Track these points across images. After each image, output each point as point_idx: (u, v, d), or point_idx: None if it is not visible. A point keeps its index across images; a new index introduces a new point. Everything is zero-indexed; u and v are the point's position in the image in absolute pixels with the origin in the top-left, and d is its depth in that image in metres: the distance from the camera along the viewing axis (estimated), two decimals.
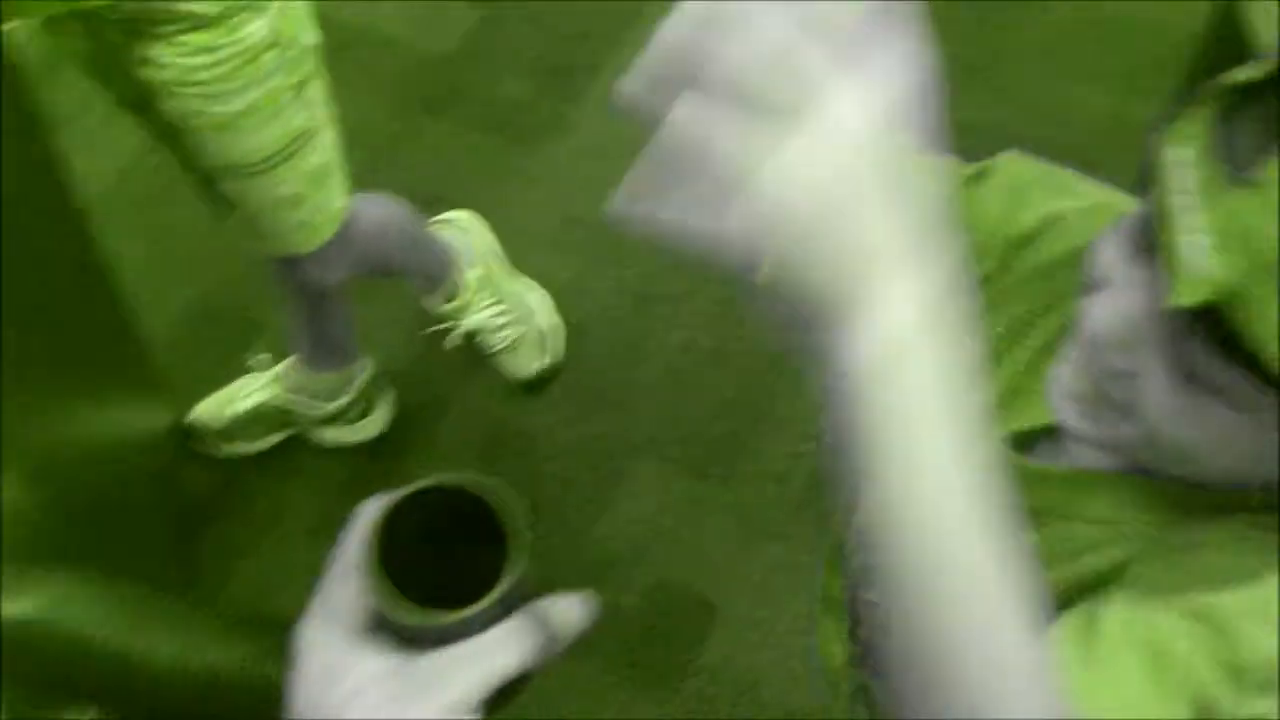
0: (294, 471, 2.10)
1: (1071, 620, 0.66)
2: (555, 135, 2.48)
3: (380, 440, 2.14)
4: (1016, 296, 0.86)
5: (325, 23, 2.67)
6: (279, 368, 2.10)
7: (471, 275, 2.12)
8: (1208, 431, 0.65)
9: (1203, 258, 0.59)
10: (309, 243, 1.70)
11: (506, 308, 2.16)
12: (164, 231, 2.36)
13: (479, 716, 0.57)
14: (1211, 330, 0.60)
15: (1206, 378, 0.63)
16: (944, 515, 0.50)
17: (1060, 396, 0.73)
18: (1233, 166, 0.59)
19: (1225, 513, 0.71)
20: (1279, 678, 0.65)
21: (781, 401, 2.17)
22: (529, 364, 2.19)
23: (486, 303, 2.15)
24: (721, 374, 2.20)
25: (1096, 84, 2.49)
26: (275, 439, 2.13)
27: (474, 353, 2.21)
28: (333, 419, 2.10)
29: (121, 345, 1.95)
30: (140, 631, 0.67)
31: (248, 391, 2.11)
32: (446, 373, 2.21)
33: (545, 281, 2.26)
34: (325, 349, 2.05)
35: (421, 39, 2.62)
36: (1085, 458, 0.77)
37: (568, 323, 2.23)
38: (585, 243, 2.32)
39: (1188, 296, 0.59)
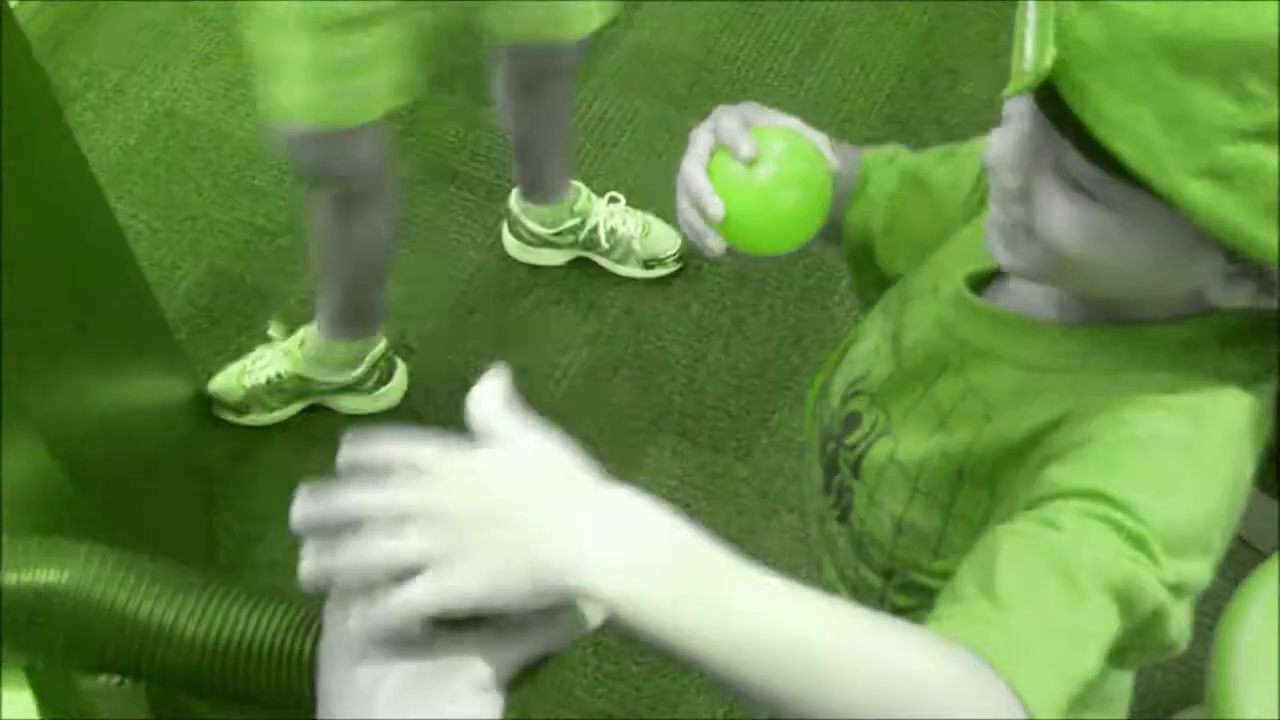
0: (314, 441, 2.10)
1: (970, 578, 0.67)
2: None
3: (398, 412, 2.14)
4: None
5: None
6: (296, 337, 2.09)
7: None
8: (1096, 240, 0.71)
9: (1029, 53, 0.67)
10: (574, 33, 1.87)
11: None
12: (174, 204, 2.36)
13: (505, 693, 0.56)
14: (1077, 135, 0.66)
15: (1083, 180, 0.69)
16: (791, 618, 0.57)
17: (988, 230, 0.79)
18: None
19: (1158, 364, 0.76)
20: (1196, 538, 0.70)
21: (800, 376, 2.16)
22: (669, 241, 2.23)
23: (600, 199, 2.25)
24: (740, 348, 2.19)
25: None
26: (295, 408, 2.13)
27: (494, 325, 2.21)
28: (350, 388, 2.10)
29: (142, 317, 1.95)
30: (169, 602, 0.66)
31: (265, 362, 2.10)
32: (464, 346, 2.21)
33: None
34: (352, 318, 2.04)
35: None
36: (1031, 304, 0.83)
37: (583, 298, 2.23)
38: None
39: (1014, 86, 0.68)
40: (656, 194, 2.31)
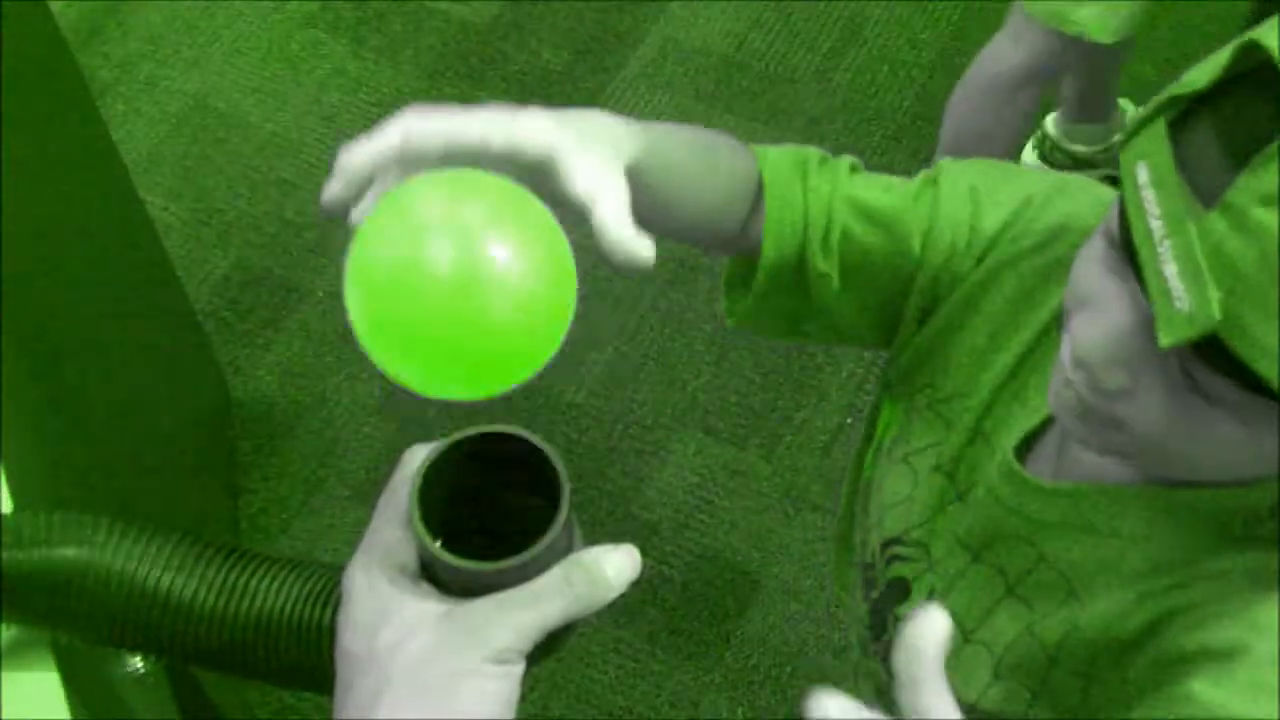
0: (340, 434, 2.11)
1: None
2: (594, 105, 2.46)
3: (424, 408, 2.15)
4: (1001, 287, 0.85)
5: None
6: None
7: None
8: (1209, 442, 0.64)
9: (1179, 290, 0.57)
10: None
11: None
12: (203, 197, 2.37)
13: (524, 664, 0.56)
14: (1208, 349, 0.58)
15: (1208, 392, 0.61)
16: None
17: (1062, 410, 0.71)
18: (1196, 186, 0.57)
19: (1258, 535, 0.70)
20: None
21: (824, 373, 2.15)
22: None
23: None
24: (764, 346, 2.18)
25: (1145, 57, 2.45)
26: None
27: None
28: None
29: (170, 308, 1.97)
30: (187, 574, 0.67)
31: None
32: None
33: (585, 251, 2.25)
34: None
35: (459, 8, 2.62)
36: (1097, 467, 0.76)
37: (609, 293, 2.23)
38: None
39: (1169, 336, 0.58)
40: None
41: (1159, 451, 0.66)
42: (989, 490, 0.82)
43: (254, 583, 0.66)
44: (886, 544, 0.91)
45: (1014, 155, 2.05)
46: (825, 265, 0.85)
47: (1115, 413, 0.66)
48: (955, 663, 0.83)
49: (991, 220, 0.84)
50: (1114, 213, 0.64)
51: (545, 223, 0.55)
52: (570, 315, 0.56)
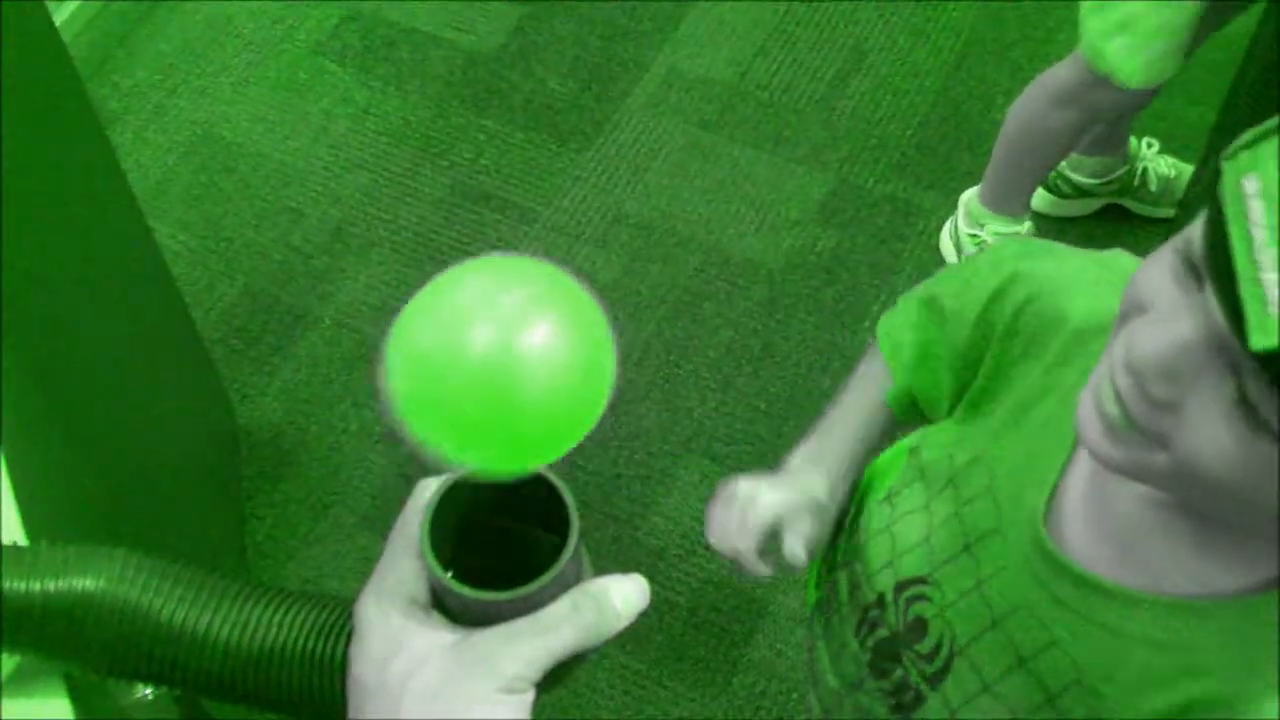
0: (346, 461, 2.12)
1: None
2: (599, 133, 2.48)
3: None
4: (989, 343, 0.88)
5: (370, 21, 2.70)
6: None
7: None
8: (1252, 469, 0.61)
9: (1275, 297, 0.55)
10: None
11: None
12: (211, 225, 2.39)
13: (534, 693, 0.56)
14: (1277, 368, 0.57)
15: (1265, 415, 0.59)
16: None
17: (1089, 418, 0.68)
18: None
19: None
20: None
21: (829, 401, 2.15)
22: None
23: (1140, 143, 2.39)
24: (769, 373, 2.19)
25: (1175, 92, 2.47)
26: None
27: None
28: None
29: (178, 336, 1.97)
30: (201, 606, 0.67)
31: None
32: None
33: (590, 279, 2.26)
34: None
35: (466, 37, 2.64)
36: (1144, 563, 0.75)
37: (614, 320, 2.23)
38: (630, 240, 2.32)
39: (1262, 339, 0.56)
40: (689, 218, 2.33)
41: (1193, 475, 0.64)
42: (1025, 560, 0.80)
43: (267, 615, 0.66)
44: (903, 585, 0.91)
45: (1053, 160, 2.11)
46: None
47: (1161, 428, 0.64)
48: (971, 707, 0.84)
49: (992, 283, 0.90)
50: (1191, 231, 0.63)
51: (587, 310, 0.57)
52: (605, 401, 0.57)
